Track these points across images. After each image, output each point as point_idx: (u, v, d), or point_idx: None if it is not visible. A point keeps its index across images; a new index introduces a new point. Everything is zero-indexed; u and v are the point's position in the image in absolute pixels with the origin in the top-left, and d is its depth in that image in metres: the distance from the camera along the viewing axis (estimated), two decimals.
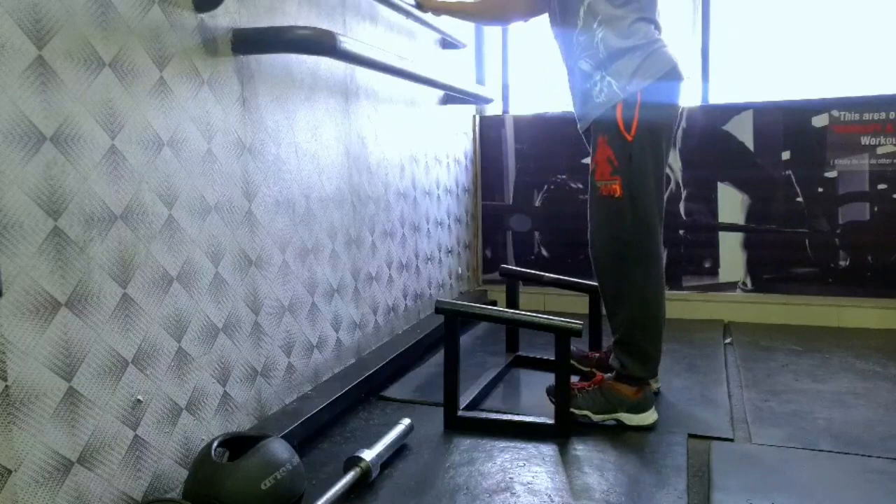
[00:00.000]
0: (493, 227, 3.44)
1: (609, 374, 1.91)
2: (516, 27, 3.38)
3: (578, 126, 1.94)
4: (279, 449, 1.37)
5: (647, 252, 1.83)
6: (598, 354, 2.26)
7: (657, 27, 1.84)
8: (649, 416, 1.84)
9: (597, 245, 1.89)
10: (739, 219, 3.05)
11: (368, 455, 1.53)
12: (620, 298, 1.86)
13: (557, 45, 1.95)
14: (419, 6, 2.36)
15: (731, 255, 3.07)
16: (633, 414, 1.84)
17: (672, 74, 1.81)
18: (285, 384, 1.80)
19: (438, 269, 2.96)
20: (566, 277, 2.54)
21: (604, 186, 1.81)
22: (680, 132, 3.06)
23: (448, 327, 1.86)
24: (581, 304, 2.55)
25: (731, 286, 3.08)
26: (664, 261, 1.94)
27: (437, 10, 2.40)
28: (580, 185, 3.22)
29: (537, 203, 3.33)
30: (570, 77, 1.92)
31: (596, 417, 1.85)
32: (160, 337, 1.35)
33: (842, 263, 2.93)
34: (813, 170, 2.92)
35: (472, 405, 1.98)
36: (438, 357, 2.44)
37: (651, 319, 1.86)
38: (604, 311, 1.99)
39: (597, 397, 1.86)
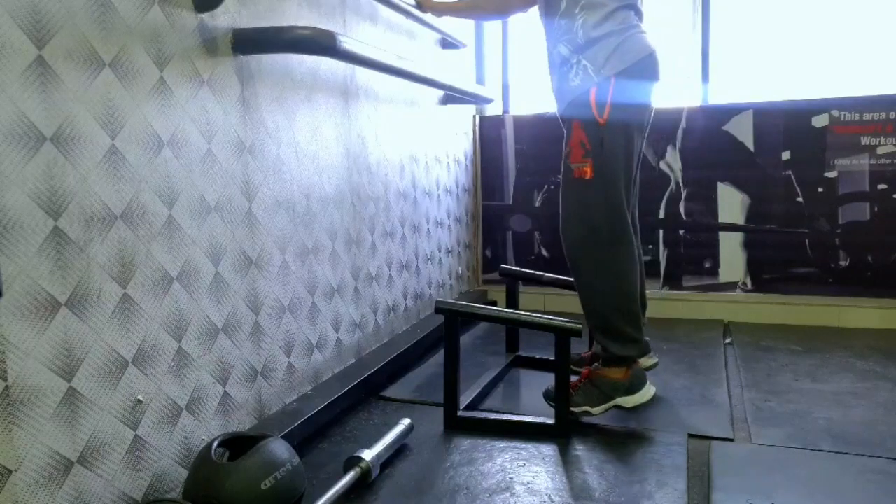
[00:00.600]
0: (493, 227, 3.44)
1: (596, 364, 1.91)
2: (516, 25, 3.38)
3: (557, 108, 1.95)
4: (279, 449, 1.37)
5: (617, 234, 1.84)
6: (590, 353, 2.27)
7: (638, 14, 1.86)
8: (646, 393, 1.85)
9: (567, 227, 1.89)
10: (739, 219, 3.05)
11: (368, 455, 1.53)
12: (592, 282, 1.87)
13: (543, 30, 1.96)
14: (419, 6, 2.36)
15: (731, 255, 3.07)
16: (630, 395, 1.84)
17: (648, 61, 1.82)
18: (285, 384, 1.80)
19: (438, 269, 2.96)
20: (566, 277, 2.53)
21: (576, 169, 1.83)
22: (680, 132, 3.06)
23: (448, 327, 1.86)
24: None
25: (731, 286, 3.08)
26: (638, 245, 1.95)
27: (437, 10, 2.40)
28: None
29: (537, 203, 3.33)
30: (549, 61, 1.93)
31: (595, 410, 1.85)
32: (160, 337, 1.35)
33: (842, 263, 2.93)
34: (813, 170, 2.92)
35: (472, 405, 1.98)
36: (438, 357, 2.44)
37: (625, 300, 1.86)
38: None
39: (590, 390, 1.86)
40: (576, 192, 1.86)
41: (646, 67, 1.82)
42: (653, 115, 1.95)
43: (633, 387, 1.84)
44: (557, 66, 1.88)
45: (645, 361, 1.98)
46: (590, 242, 1.85)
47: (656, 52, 1.84)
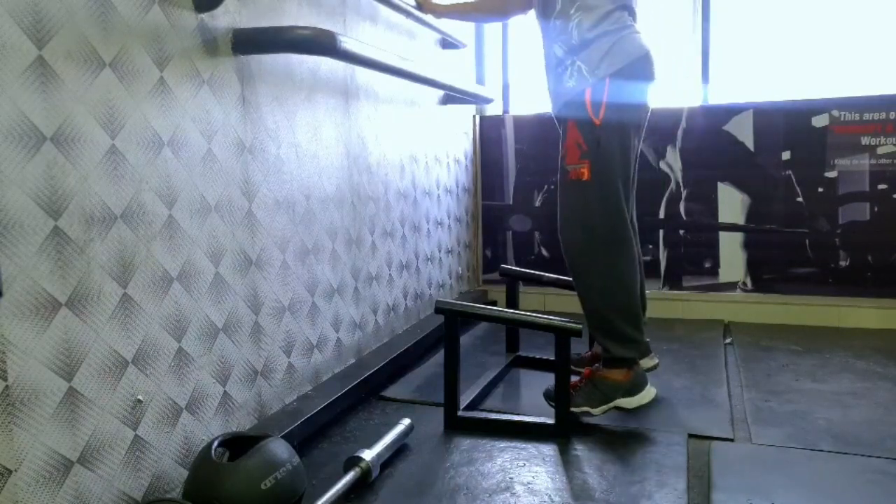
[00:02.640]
0: (493, 227, 3.44)
1: (597, 365, 1.91)
2: (516, 25, 3.38)
3: (551, 109, 1.95)
4: (279, 449, 1.37)
5: (616, 235, 1.84)
6: (590, 353, 2.27)
7: (632, 14, 1.86)
8: (647, 395, 1.85)
9: (566, 229, 1.89)
10: (739, 219, 3.05)
11: (368, 455, 1.53)
12: (592, 283, 1.87)
13: (539, 30, 1.96)
14: (419, 7, 2.36)
15: (731, 255, 3.07)
16: (630, 397, 1.84)
17: (643, 62, 1.82)
18: (285, 384, 1.80)
19: (438, 269, 2.96)
20: (566, 277, 2.52)
21: (573, 170, 1.83)
22: (680, 132, 3.06)
23: (448, 327, 1.86)
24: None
25: (731, 286, 3.08)
26: (637, 245, 1.95)
27: (437, 11, 2.40)
28: None
29: (537, 203, 3.33)
30: (545, 62, 1.93)
31: (595, 411, 1.85)
32: (160, 337, 1.35)
33: (842, 263, 2.93)
34: (813, 170, 2.92)
35: (472, 405, 1.98)
36: (438, 357, 2.44)
37: (625, 299, 1.86)
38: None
39: (591, 391, 1.86)
40: (573, 194, 1.86)
41: (641, 68, 1.82)
42: (649, 114, 1.95)
43: (634, 388, 1.84)
44: (553, 67, 1.89)
45: (645, 362, 1.98)
46: (589, 244, 1.85)
47: (651, 52, 1.84)
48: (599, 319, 1.88)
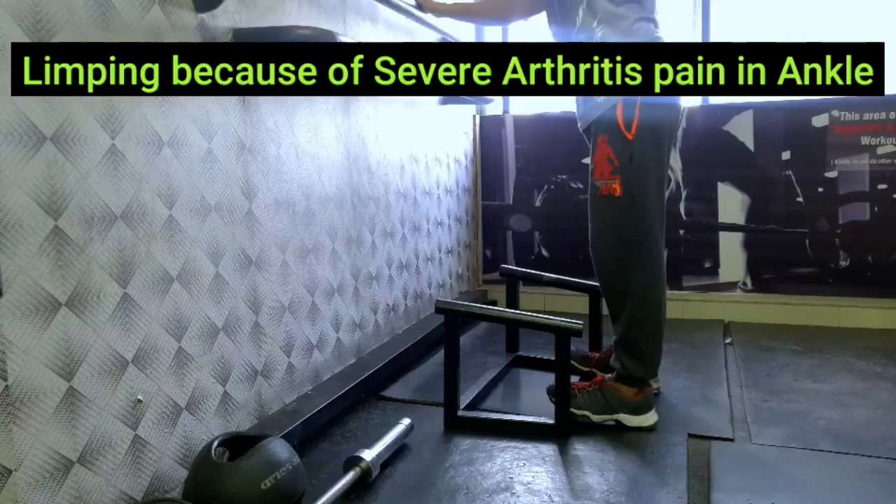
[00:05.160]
0: (493, 227, 3.44)
1: (609, 375, 1.91)
2: (516, 27, 3.38)
3: (579, 125, 1.94)
4: (279, 449, 1.37)
5: (648, 252, 1.83)
6: (598, 355, 2.26)
7: (656, 26, 1.85)
8: (649, 418, 1.84)
9: (597, 245, 1.88)
10: (739, 219, 3.05)
11: (368, 455, 1.53)
12: (622, 298, 1.86)
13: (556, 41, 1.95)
14: (419, 7, 2.36)
15: (731, 255, 3.07)
16: (634, 415, 1.83)
17: None
18: (285, 384, 1.80)
19: (438, 269, 2.96)
20: (566, 277, 2.54)
21: (604, 186, 1.81)
22: (680, 132, 3.06)
23: (448, 327, 1.86)
24: (581, 304, 2.55)
25: (731, 286, 3.08)
26: (665, 260, 1.94)
27: (438, 12, 2.39)
28: (580, 185, 3.22)
29: (537, 203, 3.33)
30: None
31: (595, 418, 1.85)
32: (160, 337, 1.35)
33: (842, 263, 2.93)
34: (813, 170, 2.92)
35: (472, 405, 1.98)
36: (438, 357, 2.44)
37: (651, 319, 1.86)
38: (605, 311, 1.99)
39: (597, 397, 1.85)
40: (605, 210, 1.84)
41: None
42: (683, 113, 1.92)
43: (640, 408, 1.83)
44: None
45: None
46: (620, 259, 1.84)
47: None
48: (625, 335, 1.86)
